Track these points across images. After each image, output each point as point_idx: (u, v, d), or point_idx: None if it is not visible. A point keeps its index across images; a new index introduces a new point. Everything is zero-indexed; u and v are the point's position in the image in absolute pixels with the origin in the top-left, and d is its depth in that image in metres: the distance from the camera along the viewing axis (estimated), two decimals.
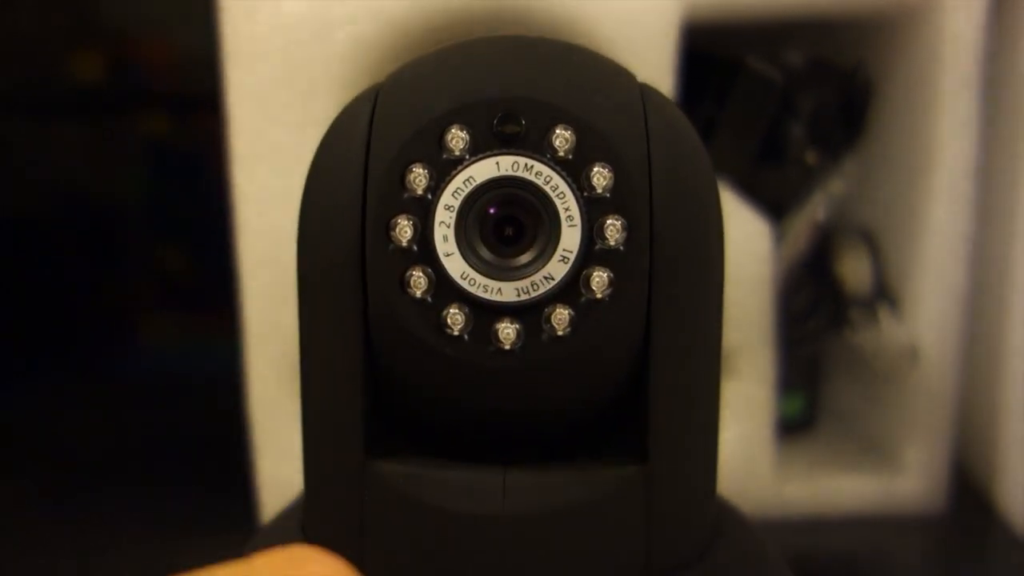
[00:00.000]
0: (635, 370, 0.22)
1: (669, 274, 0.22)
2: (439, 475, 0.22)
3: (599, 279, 0.21)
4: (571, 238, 0.21)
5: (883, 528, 0.42)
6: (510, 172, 0.21)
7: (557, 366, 0.21)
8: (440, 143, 0.21)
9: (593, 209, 0.21)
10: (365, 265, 0.21)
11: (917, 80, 0.42)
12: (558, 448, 0.23)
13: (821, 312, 0.45)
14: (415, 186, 0.21)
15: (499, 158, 0.21)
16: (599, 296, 0.21)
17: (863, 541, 0.42)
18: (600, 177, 0.21)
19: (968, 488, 0.45)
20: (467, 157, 0.21)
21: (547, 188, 0.21)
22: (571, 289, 0.21)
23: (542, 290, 0.21)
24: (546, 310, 0.21)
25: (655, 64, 0.38)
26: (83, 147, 0.67)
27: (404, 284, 0.21)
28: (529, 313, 0.21)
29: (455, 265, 0.21)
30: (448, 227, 0.21)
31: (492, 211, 0.21)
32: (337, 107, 0.24)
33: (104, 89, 0.65)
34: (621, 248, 0.21)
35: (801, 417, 0.48)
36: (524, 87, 0.21)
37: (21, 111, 0.65)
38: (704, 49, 0.41)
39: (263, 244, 0.38)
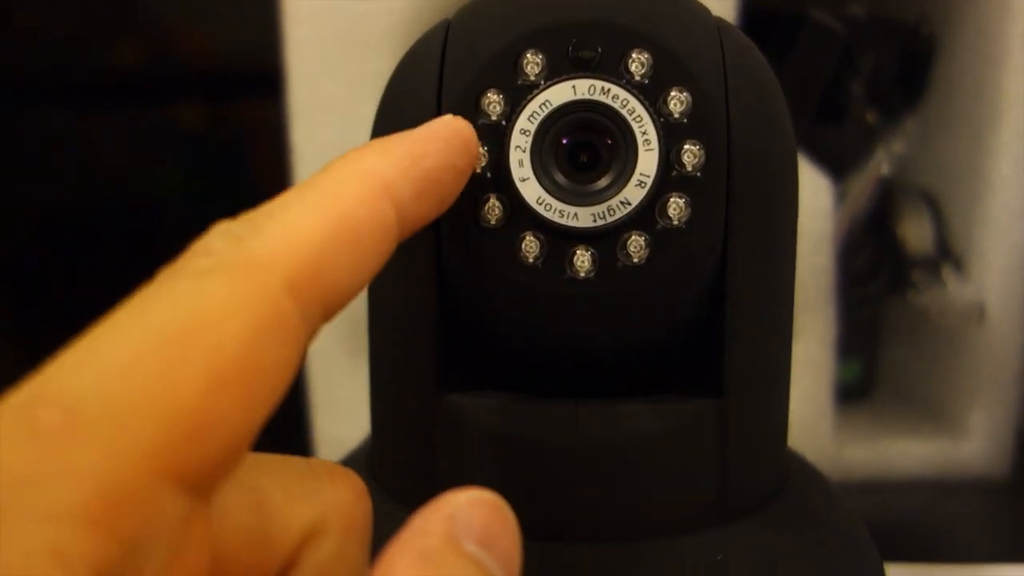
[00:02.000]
0: (710, 302, 0.22)
1: (747, 203, 0.21)
2: (512, 406, 0.22)
3: (676, 206, 0.21)
4: (648, 162, 0.20)
5: (947, 492, 0.42)
6: (587, 96, 0.20)
7: (632, 295, 0.21)
8: (515, 68, 0.21)
9: (670, 134, 0.20)
10: None
11: (982, 33, 0.41)
12: (631, 381, 0.23)
13: (882, 274, 0.44)
14: (490, 112, 0.21)
15: (575, 82, 0.20)
16: (676, 223, 0.21)
17: (926, 505, 0.41)
18: (677, 102, 0.20)
19: None
20: (542, 83, 0.20)
21: (624, 112, 0.20)
22: (647, 216, 0.20)
23: (619, 215, 0.20)
24: (623, 236, 0.21)
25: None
26: (122, 137, 0.67)
27: (478, 212, 0.21)
28: (605, 240, 0.21)
29: (531, 190, 0.20)
30: (524, 152, 0.20)
31: (565, 142, 0.21)
32: (394, 63, 0.24)
33: (143, 79, 0.65)
34: (698, 175, 0.21)
35: (858, 384, 0.47)
36: (599, 11, 0.21)
37: (61, 101, 0.65)
38: (765, 6, 0.40)
39: None
